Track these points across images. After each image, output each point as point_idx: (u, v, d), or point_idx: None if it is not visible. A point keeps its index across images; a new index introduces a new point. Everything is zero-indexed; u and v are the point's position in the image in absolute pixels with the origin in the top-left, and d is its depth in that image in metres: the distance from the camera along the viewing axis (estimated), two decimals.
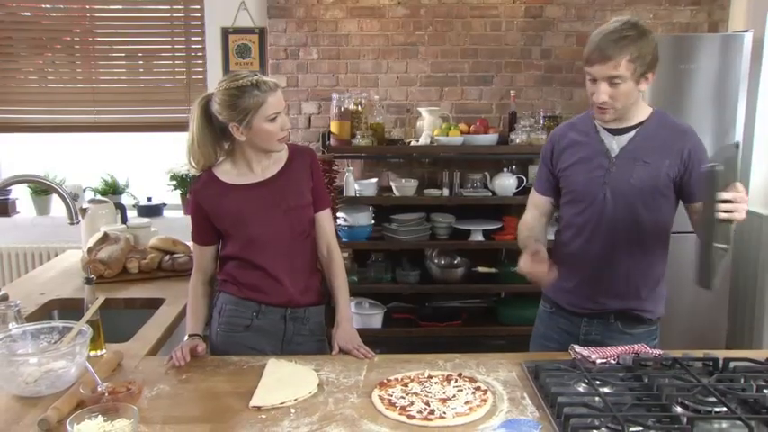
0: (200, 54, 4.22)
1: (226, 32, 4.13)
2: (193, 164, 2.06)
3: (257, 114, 1.92)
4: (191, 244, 2.94)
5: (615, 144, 2.00)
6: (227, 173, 2.06)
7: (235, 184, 2.04)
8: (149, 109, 4.31)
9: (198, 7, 4.17)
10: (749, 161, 3.87)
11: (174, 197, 4.41)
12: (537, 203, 2.20)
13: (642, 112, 2.00)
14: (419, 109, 3.97)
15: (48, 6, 4.25)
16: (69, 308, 2.42)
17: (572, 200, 2.09)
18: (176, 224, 3.99)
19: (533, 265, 1.97)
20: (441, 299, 4.13)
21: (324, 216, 2.16)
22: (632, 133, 1.99)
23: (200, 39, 4.21)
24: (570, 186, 2.08)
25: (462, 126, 3.85)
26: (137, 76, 4.30)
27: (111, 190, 4.35)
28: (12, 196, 4.33)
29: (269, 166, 2.08)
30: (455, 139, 3.77)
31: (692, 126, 2.03)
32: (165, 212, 4.39)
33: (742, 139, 3.63)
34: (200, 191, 2.05)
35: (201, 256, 2.13)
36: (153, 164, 4.44)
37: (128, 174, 4.46)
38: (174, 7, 4.20)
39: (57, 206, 4.41)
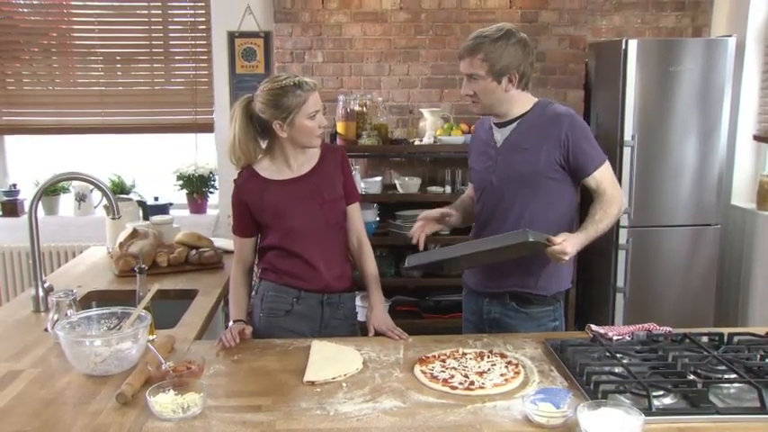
0: (207, 57, 4.34)
1: (232, 36, 4.25)
2: (234, 162, 2.20)
3: (300, 112, 2.07)
4: (213, 239, 3.10)
5: (500, 136, 2.19)
6: (267, 169, 2.20)
7: (274, 179, 2.19)
8: (156, 111, 4.42)
9: (204, 12, 4.29)
10: (733, 159, 4.10)
11: (181, 197, 4.52)
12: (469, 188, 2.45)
13: (523, 105, 2.16)
14: (421, 110, 4.13)
15: (53, 11, 4.33)
16: (106, 299, 2.54)
17: (475, 189, 2.32)
18: (183, 223, 4.06)
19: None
20: (442, 293, 4.28)
21: (354, 209, 2.31)
22: (514, 125, 2.17)
23: (206, 42, 4.32)
24: (472, 176, 2.33)
25: (463, 126, 4.02)
26: (144, 78, 4.40)
27: (119, 190, 4.43)
28: (20, 196, 4.40)
29: (304, 162, 2.22)
30: (457, 138, 3.95)
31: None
32: (172, 212, 4.48)
33: (727, 138, 3.85)
34: (242, 185, 2.20)
35: (242, 248, 2.27)
36: (159, 164, 4.55)
37: (134, 174, 4.56)
38: (182, 12, 4.32)
39: (65, 206, 4.50)
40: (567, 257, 1.99)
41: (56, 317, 1.99)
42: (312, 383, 1.76)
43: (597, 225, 2.08)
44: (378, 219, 4.09)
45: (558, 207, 2.17)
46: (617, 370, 1.76)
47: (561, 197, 2.17)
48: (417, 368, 1.83)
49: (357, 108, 3.98)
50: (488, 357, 1.90)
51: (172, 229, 3.13)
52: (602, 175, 2.12)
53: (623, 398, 1.60)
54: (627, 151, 3.80)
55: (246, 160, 2.21)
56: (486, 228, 2.23)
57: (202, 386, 1.65)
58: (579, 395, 1.65)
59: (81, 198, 4.41)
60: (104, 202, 3.39)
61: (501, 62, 2.05)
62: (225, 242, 3.14)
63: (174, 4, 4.31)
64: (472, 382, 1.73)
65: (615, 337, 1.99)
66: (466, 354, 1.93)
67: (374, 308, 2.23)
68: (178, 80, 4.41)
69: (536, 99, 2.20)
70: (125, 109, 4.41)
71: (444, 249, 2.11)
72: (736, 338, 1.96)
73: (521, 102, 2.16)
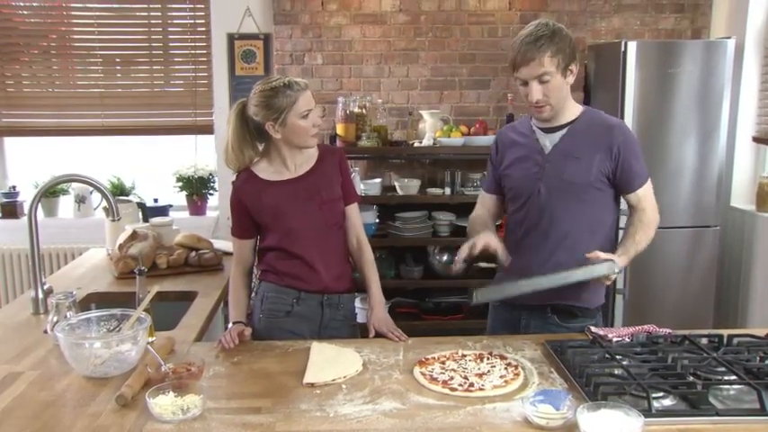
0: (207, 59, 4.34)
1: (231, 38, 4.25)
2: (230, 166, 2.21)
3: (291, 111, 2.08)
4: (212, 240, 3.10)
5: (548, 142, 2.13)
6: (265, 170, 2.21)
7: (272, 180, 2.20)
8: (156, 113, 4.42)
9: (204, 14, 4.29)
10: (732, 161, 4.10)
11: (180, 198, 4.52)
12: (484, 201, 2.36)
13: (572, 110, 2.12)
14: (421, 111, 4.14)
15: (53, 13, 4.33)
16: (106, 301, 2.54)
17: (513, 197, 2.23)
18: (182, 225, 4.06)
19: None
20: (442, 294, 4.29)
21: (353, 209, 2.32)
22: (564, 131, 2.11)
23: (205, 44, 4.33)
24: (510, 184, 2.22)
25: (463, 128, 4.03)
26: (143, 80, 4.40)
27: (118, 192, 4.44)
28: (20, 198, 4.40)
29: (302, 163, 2.23)
30: (456, 140, 3.95)
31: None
32: (171, 213, 4.47)
33: (726, 139, 3.86)
34: (240, 187, 2.20)
35: (241, 250, 2.27)
36: (158, 166, 4.56)
37: (134, 176, 4.56)
38: (181, 14, 4.32)
39: (64, 208, 4.50)
40: (609, 281, 2.03)
41: (55, 319, 1.98)
42: (312, 385, 1.76)
43: (637, 246, 2.10)
44: (377, 220, 4.09)
45: (603, 219, 2.15)
46: (617, 371, 1.76)
47: (606, 208, 2.15)
48: (417, 370, 1.83)
49: (357, 110, 3.98)
50: (488, 359, 1.90)
51: (171, 231, 3.13)
52: (645, 194, 2.13)
53: (623, 399, 1.60)
54: None
55: (239, 165, 2.22)
56: (527, 236, 2.17)
57: (202, 388, 1.65)
58: (579, 397, 1.65)
59: (80, 200, 4.41)
60: (104, 203, 3.40)
61: (566, 54, 1.99)
62: (224, 244, 3.14)
63: (174, 5, 4.31)
64: (472, 384, 1.73)
65: (615, 339, 1.99)
66: (465, 355, 1.92)
67: (374, 308, 2.24)
68: (178, 82, 4.41)
69: (582, 106, 2.15)
70: (125, 111, 4.41)
71: (510, 286, 2.07)
72: (735, 340, 1.95)
73: (572, 105, 2.12)
